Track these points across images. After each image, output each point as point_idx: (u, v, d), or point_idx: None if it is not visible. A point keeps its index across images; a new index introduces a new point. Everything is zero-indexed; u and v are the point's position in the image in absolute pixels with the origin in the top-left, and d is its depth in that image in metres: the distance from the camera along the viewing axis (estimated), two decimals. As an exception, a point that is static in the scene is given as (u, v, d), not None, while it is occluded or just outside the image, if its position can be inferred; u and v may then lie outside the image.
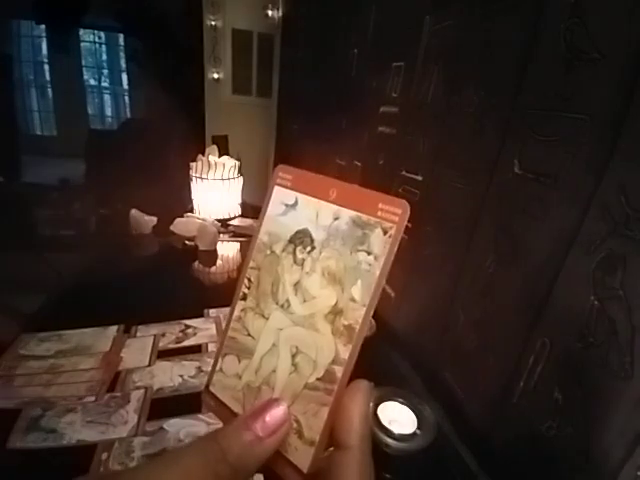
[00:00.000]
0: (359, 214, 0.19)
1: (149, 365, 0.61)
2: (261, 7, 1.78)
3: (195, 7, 1.88)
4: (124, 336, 0.67)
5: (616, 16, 0.33)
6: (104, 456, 0.45)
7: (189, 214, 1.23)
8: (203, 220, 1.17)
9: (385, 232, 0.18)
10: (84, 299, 0.79)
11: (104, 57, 3.92)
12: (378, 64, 0.78)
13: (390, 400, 0.49)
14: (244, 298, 0.23)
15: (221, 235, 1.16)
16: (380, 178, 0.77)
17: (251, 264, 0.23)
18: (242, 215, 1.33)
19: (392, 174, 0.71)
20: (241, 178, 1.30)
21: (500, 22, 0.47)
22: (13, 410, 0.50)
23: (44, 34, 3.35)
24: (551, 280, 0.38)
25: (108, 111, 4.04)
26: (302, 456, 0.19)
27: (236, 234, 1.21)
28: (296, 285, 0.21)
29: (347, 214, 0.19)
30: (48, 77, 3.61)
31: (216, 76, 1.96)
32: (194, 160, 1.23)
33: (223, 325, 0.56)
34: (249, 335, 0.22)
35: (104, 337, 0.66)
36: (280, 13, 1.67)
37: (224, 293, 0.94)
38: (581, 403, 0.34)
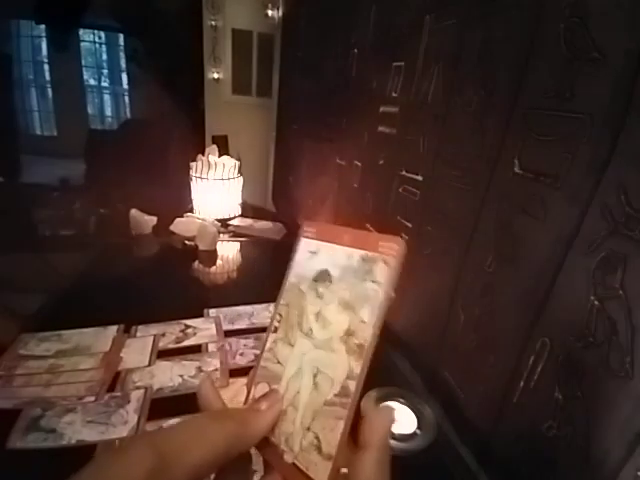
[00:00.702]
0: (366, 252, 0.23)
1: (149, 365, 0.61)
2: (261, 7, 1.78)
3: (195, 7, 1.88)
4: (124, 336, 0.67)
5: (616, 16, 0.33)
6: (104, 456, 0.45)
7: (189, 214, 1.23)
8: (203, 220, 1.17)
9: (386, 263, 0.22)
10: (84, 299, 0.79)
11: (104, 57, 3.92)
12: (378, 64, 0.78)
13: (390, 400, 0.49)
14: (275, 331, 0.26)
15: (221, 235, 1.16)
16: (380, 178, 0.77)
17: (282, 302, 0.27)
18: (242, 215, 1.33)
19: (392, 174, 0.71)
20: (241, 178, 1.30)
21: (500, 22, 0.47)
22: (13, 410, 0.50)
23: (44, 34, 3.35)
24: (551, 280, 0.38)
25: (108, 111, 4.04)
26: (320, 470, 0.21)
27: (236, 234, 1.21)
28: (317, 314, 0.24)
29: (357, 253, 0.23)
30: (48, 77, 3.61)
31: (216, 76, 1.96)
32: (194, 160, 1.23)
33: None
34: (278, 362, 0.25)
35: (104, 337, 0.66)
36: (280, 13, 1.67)
37: (224, 293, 0.94)
38: (581, 403, 0.34)
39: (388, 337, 0.67)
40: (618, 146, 0.32)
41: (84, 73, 3.78)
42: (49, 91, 3.66)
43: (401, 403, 0.49)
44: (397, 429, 0.45)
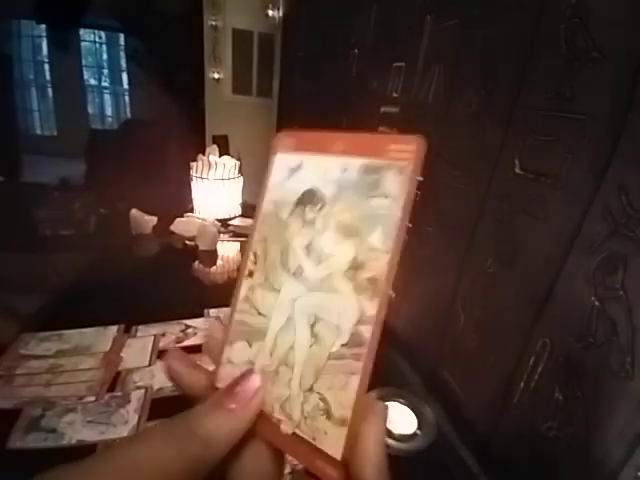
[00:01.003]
0: (369, 160, 0.18)
1: (149, 365, 0.61)
2: (261, 7, 1.78)
3: (196, 7, 1.88)
4: (124, 336, 0.67)
5: (616, 16, 0.33)
6: (104, 456, 0.45)
7: (189, 214, 1.23)
8: (203, 220, 1.17)
9: (400, 172, 0.17)
10: (84, 299, 0.78)
11: (104, 57, 3.92)
12: (378, 64, 0.78)
13: (390, 400, 0.49)
14: (251, 275, 0.21)
15: (221, 235, 1.16)
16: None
17: (256, 237, 0.21)
18: (242, 215, 1.33)
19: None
20: (241, 178, 1.30)
21: (501, 22, 0.47)
22: (13, 410, 0.50)
23: (44, 34, 3.35)
24: (552, 280, 0.38)
25: (108, 111, 4.04)
26: (333, 440, 0.16)
27: (236, 234, 1.21)
28: (308, 247, 0.19)
29: (356, 163, 0.18)
30: (48, 77, 3.61)
31: (216, 76, 1.96)
32: (194, 160, 1.23)
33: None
34: (260, 314, 0.20)
35: (104, 337, 0.66)
36: (280, 13, 1.67)
37: (224, 293, 0.94)
38: (581, 403, 0.34)
39: (388, 337, 0.67)
40: (618, 147, 0.32)
41: (84, 73, 3.78)
42: (49, 91, 3.66)
43: (401, 403, 0.49)
44: (397, 429, 0.45)
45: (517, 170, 0.43)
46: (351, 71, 0.92)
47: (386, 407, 0.18)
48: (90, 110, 3.89)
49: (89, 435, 0.48)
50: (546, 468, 0.38)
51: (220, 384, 0.20)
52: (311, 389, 0.17)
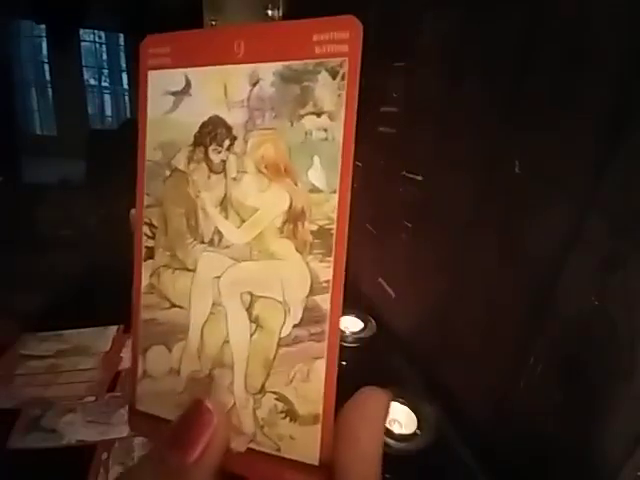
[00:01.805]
0: (287, 62, 0.13)
1: (149, 365, 0.60)
2: (261, 7, 1.78)
3: (195, 7, 1.88)
4: (124, 336, 0.67)
5: (617, 16, 0.33)
6: (104, 456, 0.45)
7: (189, 214, 1.23)
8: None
9: (334, 74, 0.13)
10: (84, 299, 0.78)
11: (104, 57, 3.92)
12: (378, 64, 0.78)
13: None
14: (151, 256, 0.16)
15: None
16: (380, 178, 0.77)
17: (146, 201, 0.16)
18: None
19: (392, 174, 0.71)
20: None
21: (501, 22, 0.47)
22: (13, 410, 0.50)
23: (44, 34, 3.35)
24: (551, 280, 0.38)
25: (108, 111, 4.04)
26: (305, 443, 0.13)
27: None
28: (223, 203, 0.14)
29: (269, 70, 0.13)
30: (48, 77, 3.60)
31: (216, 76, 1.96)
32: (194, 160, 1.23)
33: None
34: (174, 305, 0.15)
35: (104, 337, 0.66)
36: (280, 13, 1.67)
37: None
38: (581, 403, 0.34)
39: (388, 337, 0.67)
40: (619, 146, 0.32)
41: (84, 73, 3.77)
42: (49, 91, 3.66)
43: (401, 403, 0.49)
44: (397, 429, 0.45)
45: (517, 170, 0.43)
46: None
47: (388, 395, 0.14)
48: (90, 110, 3.88)
49: (89, 435, 0.48)
50: (546, 468, 0.38)
51: (141, 405, 0.16)
52: (262, 390, 0.14)
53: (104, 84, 3.98)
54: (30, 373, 0.57)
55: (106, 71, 3.99)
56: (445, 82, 0.57)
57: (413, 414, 0.47)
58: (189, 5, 2.00)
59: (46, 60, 3.59)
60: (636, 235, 0.30)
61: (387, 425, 0.45)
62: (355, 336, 0.64)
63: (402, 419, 0.47)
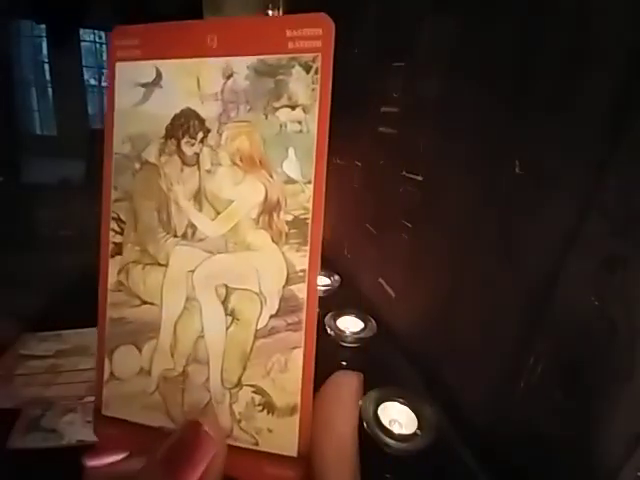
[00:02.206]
0: (261, 57, 0.13)
1: (149, 365, 0.60)
2: (261, 7, 1.78)
3: (195, 7, 1.88)
4: (124, 336, 0.67)
5: (617, 16, 0.33)
6: (104, 456, 0.45)
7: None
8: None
9: (308, 68, 0.13)
10: (84, 299, 0.78)
11: (104, 57, 3.92)
12: (378, 64, 0.78)
13: (390, 400, 0.49)
14: (119, 252, 0.16)
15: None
16: (380, 178, 0.77)
17: (114, 195, 0.16)
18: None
19: (392, 174, 0.71)
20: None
21: (501, 22, 0.47)
22: (13, 410, 0.50)
23: (44, 34, 3.35)
24: (551, 280, 0.38)
25: (108, 111, 4.04)
26: (283, 435, 0.13)
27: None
28: (197, 196, 0.14)
29: (242, 63, 0.13)
30: (48, 77, 3.60)
31: (216, 76, 1.96)
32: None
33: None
34: (144, 302, 0.16)
35: (104, 337, 0.66)
36: (280, 13, 1.66)
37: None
38: (581, 403, 0.34)
39: (388, 337, 0.67)
40: (619, 146, 0.32)
41: (84, 73, 3.77)
42: (49, 91, 3.66)
43: (401, 403, 0.49)
44: (397, 429, 0.45)
45: (517, 170, 0.43)
46: (351, 71, 0.92)
47: (359, 377, 0.14)
48: (90, 110, 3.88)
49: (89, 435, 0.47)
50: (546, 468, 0.38)
51: (107, 410, 0.15)
52: (239, 383, 0.14)
53: (104, 84, 3.98)
54: (30, 373, 0.57)
55: (106, 71, 4.00)
56: (445, 82, 0.57)
57: (413, 414, 0.47)
58: (189, 5, 2.00)
59: (46, 60, 3.59)
60: (636, 235, 0.30)
61: (387, 425, 0.45)
62: (355, 336, 0.64)
63: (402, 419, 0.47)
